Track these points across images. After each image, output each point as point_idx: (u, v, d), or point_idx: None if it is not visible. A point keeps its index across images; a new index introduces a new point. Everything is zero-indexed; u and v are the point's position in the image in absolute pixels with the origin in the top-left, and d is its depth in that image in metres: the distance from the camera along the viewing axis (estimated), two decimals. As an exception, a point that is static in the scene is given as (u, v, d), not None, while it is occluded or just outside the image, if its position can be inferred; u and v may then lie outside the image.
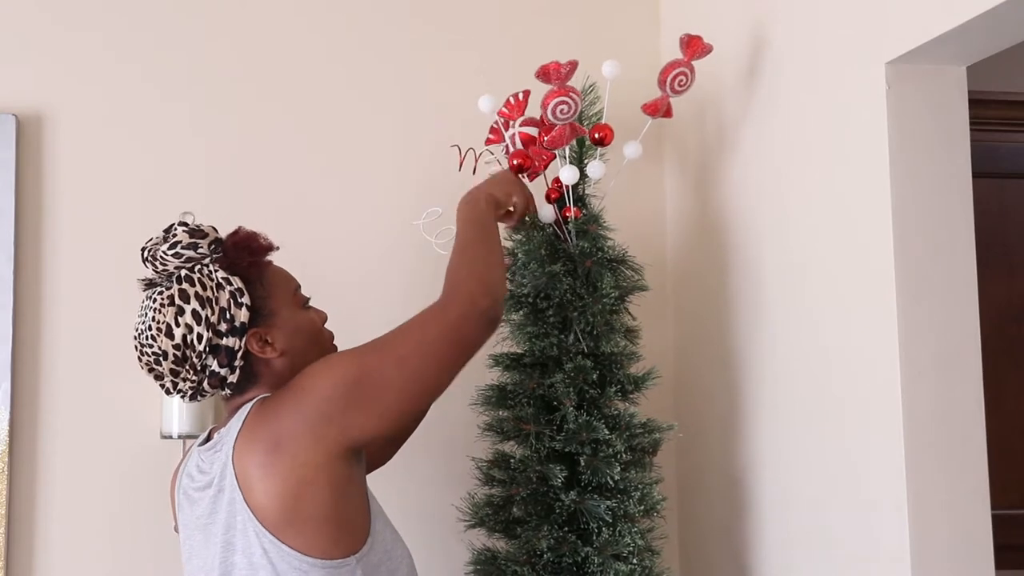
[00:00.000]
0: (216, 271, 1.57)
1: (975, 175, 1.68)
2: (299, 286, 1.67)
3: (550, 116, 1.89)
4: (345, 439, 1.49)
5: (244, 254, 1.59)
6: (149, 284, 1.61)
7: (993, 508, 1.63)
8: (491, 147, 2.03)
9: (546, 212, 1.96)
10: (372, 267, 2.30)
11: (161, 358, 1.55)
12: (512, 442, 1.97)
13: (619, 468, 1.88)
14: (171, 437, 2.14)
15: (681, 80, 1.97)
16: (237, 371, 1.57)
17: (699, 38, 1.96)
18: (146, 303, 1.58)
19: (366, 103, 2.35)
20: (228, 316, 1.55)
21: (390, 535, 1.58)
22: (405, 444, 1.97)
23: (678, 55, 1.98)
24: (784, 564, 1.96)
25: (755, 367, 2.05)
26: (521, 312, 1.98)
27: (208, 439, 1.63)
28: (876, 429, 1.67)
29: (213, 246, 1.59)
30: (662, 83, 1.98)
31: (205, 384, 1.58)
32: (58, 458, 2.17)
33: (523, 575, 1.87)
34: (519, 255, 1.99)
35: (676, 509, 2.35)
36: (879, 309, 1.66)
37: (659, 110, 2.00)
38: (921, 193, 1.65)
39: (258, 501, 1.47)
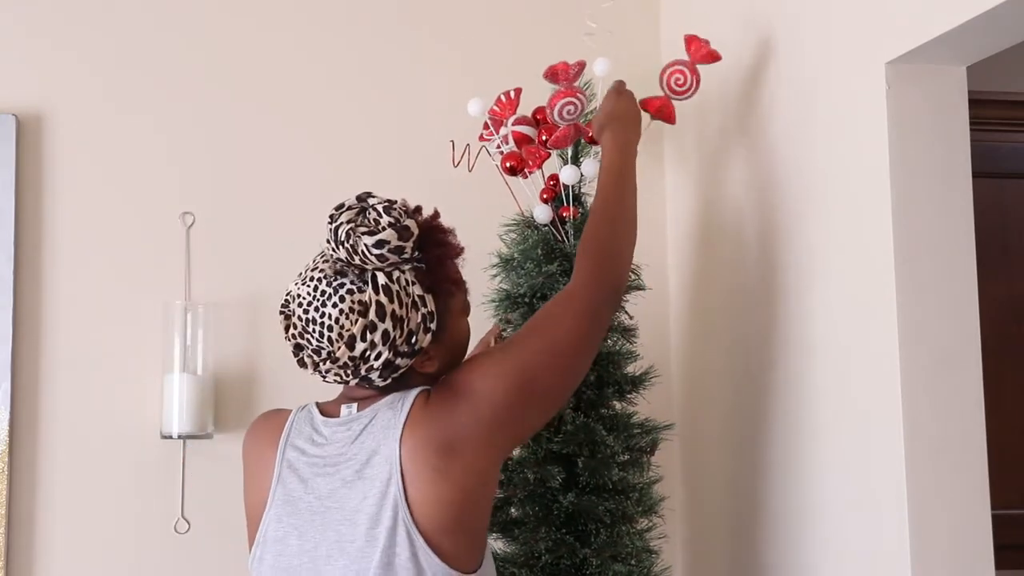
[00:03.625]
0: (413, 285, 1.46)
1: (975, 175, 1.67)
2: (468, 291, 1.59)
3: (557, 117, 1.89)
4: (515, 442, 1.52)
5: (445, 282, 1.50)
6: (337, 271, 1.46)
7: (993, 508, 1.63)
8: (485, 143, 2.03)
9: (542, 212, 1.96)
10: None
11: (328, 359, 1.45)
12: (511, 442, 1.96)
13: (617, 469, 1.88)
14: (171, 437, 2.14)
15: (679, 79, 1.95)
16: (390, 379, 1.49)
17: (706, 43, 1.95)
18: (325, 288, 1.44)
19: (365, 103, 2.35)
20: (412, 340, 1.46)
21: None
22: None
23: (680, 55, 1.97)
24: (784, 564, 1.96)
25: (755, 367, 2.05)
26: (518, 312, 1.97)
27: (322, 412, 1.54)
28: (876, 429, 1.67)
29: (416, 252, 1.47)
30: (660, 82, 1.97)
31: (352, 382, 1.50)
32: (58, 458, 2.17)
33: (522, 576, 1.87)
34: (516, 255, 1.98)
35: (676, 509, 2.34)
36: (879, 309, 1.66)
37: (656, 108, 1.98)
38: (921, 193, 1.65)
39: (423, 503, 1.42)
